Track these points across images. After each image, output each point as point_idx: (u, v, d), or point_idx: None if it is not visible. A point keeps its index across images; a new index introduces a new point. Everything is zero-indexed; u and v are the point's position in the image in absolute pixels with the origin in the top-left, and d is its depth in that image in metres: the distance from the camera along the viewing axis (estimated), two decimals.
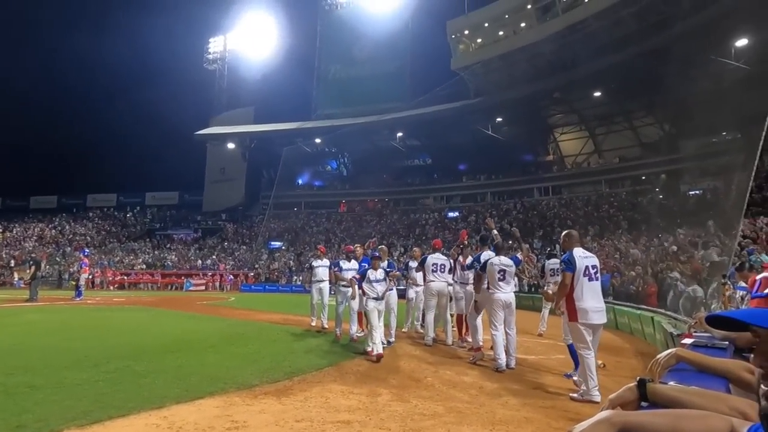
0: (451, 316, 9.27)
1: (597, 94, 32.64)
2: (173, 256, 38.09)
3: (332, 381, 5.73)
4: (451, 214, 38.54)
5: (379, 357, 7.02)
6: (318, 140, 43.20)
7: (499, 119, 36.98)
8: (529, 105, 34.86)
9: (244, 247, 39.70)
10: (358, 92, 43.31)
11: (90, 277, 27.93)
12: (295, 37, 48.58)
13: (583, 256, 5.46)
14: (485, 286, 7.09)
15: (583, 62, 30.90)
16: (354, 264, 9.26)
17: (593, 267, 5.42)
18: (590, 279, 5.36)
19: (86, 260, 21.30)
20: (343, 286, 9.14)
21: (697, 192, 29.12)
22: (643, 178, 32.55)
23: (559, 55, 32.30)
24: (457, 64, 36.70)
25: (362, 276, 7.74)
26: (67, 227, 44.08)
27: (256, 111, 48.39)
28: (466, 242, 9.00)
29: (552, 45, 32.28)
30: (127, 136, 55.40)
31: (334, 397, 4.92)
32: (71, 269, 31.59)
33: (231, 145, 46.84)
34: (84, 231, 43.54)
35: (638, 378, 1.30)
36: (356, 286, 8.06)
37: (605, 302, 5.64)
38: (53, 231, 43.10)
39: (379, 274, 7.66)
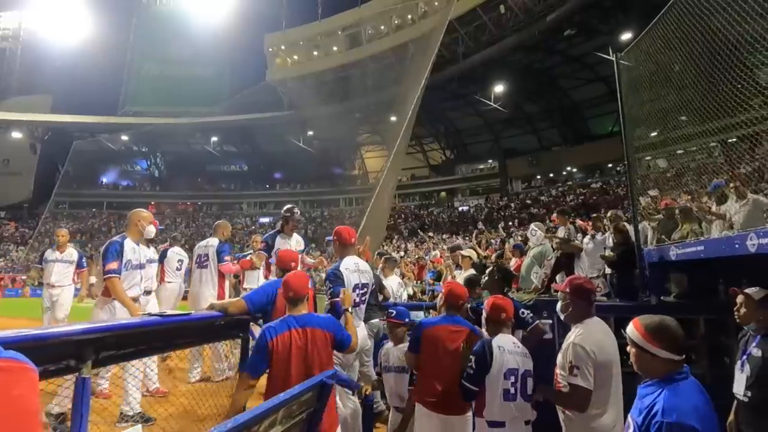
0: None
1: (393, 118, 36.89)
2: None
3: None
4: (263, 220, 39.60)
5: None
6: (125, 137, 40.80)
7: (310, 132, 39.38)
8: (338, 123, 37.84)
9: (23, 248, 35.47)
10: (172, 92, 42.27)
11: None
12: (107, 27, 45.30)
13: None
14: None
15: (382, 88, 34.75)
16: None
17: None
18: None
19: None
20: None
21: (465, 208, 34.85)
22: (426, 194, 37.77)
23: (363, 79, 36.00)
24: (273, 76, 38.40)
25: None
26: None
27: (54, 100, 43.67)
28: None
29: (357, 70, 36.00)
30: None
31: None
32: None
33: (18, 135, 41.49)
34: None
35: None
36: None
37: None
38: None
39: None
